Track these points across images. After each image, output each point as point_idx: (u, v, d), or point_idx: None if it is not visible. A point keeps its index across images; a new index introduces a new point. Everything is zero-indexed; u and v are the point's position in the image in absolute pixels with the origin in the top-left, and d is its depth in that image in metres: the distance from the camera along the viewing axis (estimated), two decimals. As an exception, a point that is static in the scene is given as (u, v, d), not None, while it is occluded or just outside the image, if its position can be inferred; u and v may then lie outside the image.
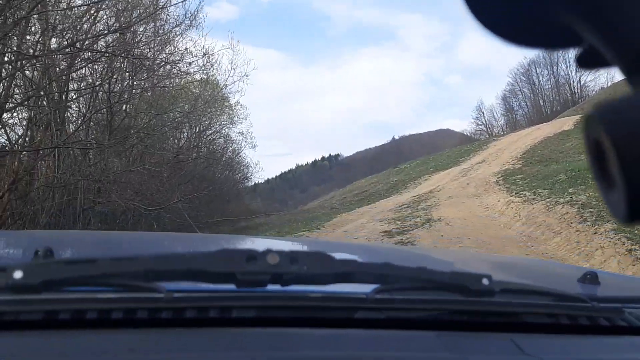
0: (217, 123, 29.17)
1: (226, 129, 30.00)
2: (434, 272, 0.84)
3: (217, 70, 18.60)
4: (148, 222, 11.06)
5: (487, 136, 60.88)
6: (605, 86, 52.15)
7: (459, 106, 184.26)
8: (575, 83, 54.77)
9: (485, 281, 0.82)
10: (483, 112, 62.61)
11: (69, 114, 11.77)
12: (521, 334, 0.86)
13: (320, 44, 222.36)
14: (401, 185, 19.73)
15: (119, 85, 11.27)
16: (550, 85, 56.69)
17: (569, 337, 0.91)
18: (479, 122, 63.22)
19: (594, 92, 52.44)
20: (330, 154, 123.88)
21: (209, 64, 14.16)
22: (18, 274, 0.68)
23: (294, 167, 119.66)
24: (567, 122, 24.40)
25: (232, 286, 0.75)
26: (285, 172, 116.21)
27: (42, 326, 0.73)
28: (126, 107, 11.75)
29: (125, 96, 11.70)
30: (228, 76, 17.71)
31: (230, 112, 29.67)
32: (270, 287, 0.77)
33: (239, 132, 30.28)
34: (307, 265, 0.76)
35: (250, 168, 32.90)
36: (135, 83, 12.46)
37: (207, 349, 0.74)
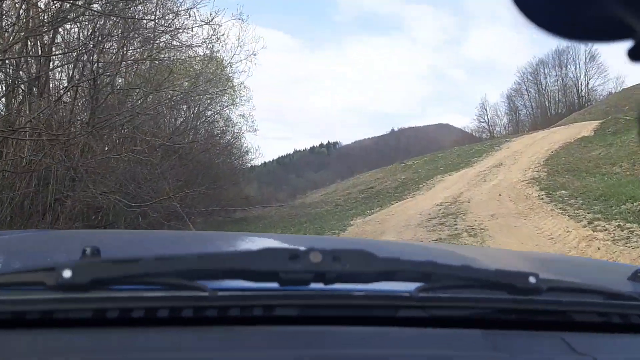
0: (218, 104, 27.63)
1: (227, 111, 28.50)
2: (479, 270, 0.83)
3: (222, 46, 16.86)
4: (132, 217, 9.39)
5: (489, 134, 59.49)
6: (613, 91, 50.83)
7: (461, 101, 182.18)
8: (583, 86, 53.16)
9: (532, 279, 0.80)
10: (486, 110, 60.87)
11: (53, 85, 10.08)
12: (571, 333, 0.84)
13: (327, 29, 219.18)
14: (411, 184, 18.11)
15: (106, 55, 9.48)
16: (557, 87, 55.07)
17: (622, 337, 0.88)
18: (482, 120, 61.51)
19: (601, 97, 50.98)
20: (329, 141, 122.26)
21: (214, 36, 12.40)
22: (67, 273, 0.68)
23: (291, 152, 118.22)
24: (586, 128, 22.78)
25: (275, 284, 0.75)
26: (282, 156, 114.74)
27: (90, 324, 0.73)
28: (113, 80, 9.96)
29: (120, 66, 10.00)
30: (234, 54, 15.93)
31: (233, 93, 28.15)
32: (313, 285, 0.76)
33: (240, 115, 28.80)
34: (349, 264, 0.75)
35: (250, 153, 31.43)
36: (129, 53, 10.74)
37: (251, 347, 0.74)
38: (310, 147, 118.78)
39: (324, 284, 0.76)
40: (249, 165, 34.28)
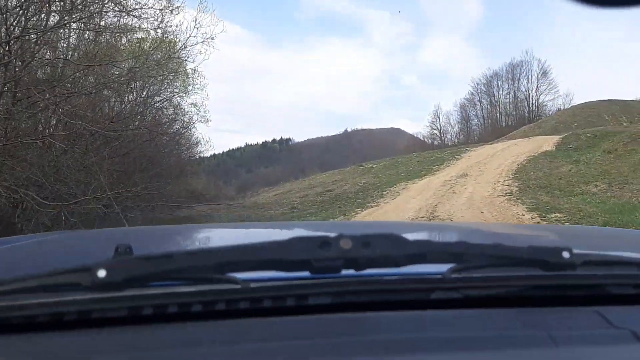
0: (169, 90, 25.74)
1: (178, 98, 26.54)
2: (510, 247, 0.81)
3: (177, 27, 15.01)
4: (52, 216, 7.52)
5: (441, 142, 59.46)
6: (562, 107, 51.65)
7: (413, 107, 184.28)
8: (534, 101, 53.89)
9: (565, 254, 0.79)
10: (439, 117, 60.87)
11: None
12: (607, 307, 0.82)
13: (287, 26, 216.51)
14: (373, 190, 16.80)
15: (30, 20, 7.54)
16: (509, 100, 55.63)
17: None
18: (434, 127, 61.41)
19: (551, 112, 51.75)
20: (281, 137, 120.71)
21: (166, 10, 10.61)
22: (102, 273, 0.69)
23: (243, 146, 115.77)
24: (547, 142, 22.22)
25: (306, 273, 0.74)
26: (233, 149, 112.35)
27: (126, 322, 0.73)
28: (37, 48, 8.01)
29: (46, 32, 8.10)
30: (190, 35, 14.09)
31: (186, 80, 26.29)
32: (345, 272, 0.76)
33: (191, 103, 26.98)
34: (379, 248, 0.74)
35: (200, 145, 29.48)
36: (62, 19, 8.81)
37: (285, 337, 0.72)
38: (262, 142, 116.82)
39: (356, 270, 0.75)
40: (198, 156, 32.40)
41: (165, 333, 0.73)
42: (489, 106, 57.05)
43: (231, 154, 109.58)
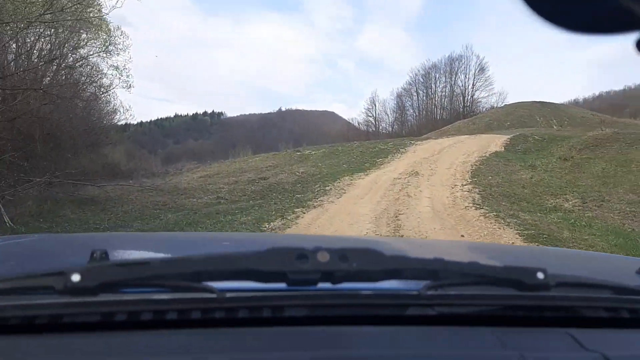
0: (87, 46, 22.08)
1: (97, 58, 22.90)
2: (486, 266, 0.81)
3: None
4: None
5: (375, 129, 58.11)
6: (496, 105, 51.57)
7: (348, 92, 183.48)
8: (469, 97, 53.47)
9: (540, 275, 0.78)
10: (375, 105, 59.34)
11: None
12: (580, 329, 0.81)
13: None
14: (313, 183, 14.45)
15: None
16: (445, 93, 54.95)
17: (631, 332, 0.84)
18: (369, 114, 59.85)
19: (485, 109, 51.51)
20: (213, 111, 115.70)
21: None
22: (76, 277, 0.67)
23: (172, 116, 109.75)
24: (495, 142, 20.76)
25: (283, 285, 0.73)
26: (162, 118, 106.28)
27: (99, 328, 0.72)
28: None
29: None
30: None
31: (107, 38, 22.66)
32: (321, 285, 0.74)
33: (112, 65, 23.47)
34: (357, 262, 0.73)
35: (119, 113, 25.91)
36: None
37: (260, 348, 0.71)
38: (193, 114, 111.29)
39: (332, 283, 0.74)
40: (118, 124, 28.77)
41: (138, 340, 0.71)
42: (425, 98, 56.21)
43: (159, 123, 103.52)
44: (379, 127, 59.97)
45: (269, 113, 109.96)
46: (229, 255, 0.75)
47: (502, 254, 1.87)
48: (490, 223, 7.83)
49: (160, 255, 1.04)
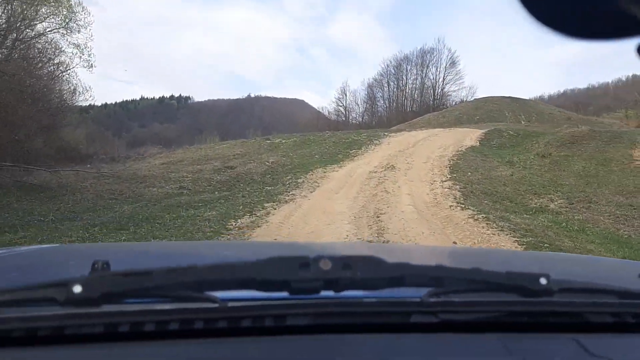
0: (45, 22, 20.47)
1: (56, 34, 21.26)
2: (489, 272, 0.79)
3: None
4: None
5: (344, 119, 57.28)
6: (465, 99, 51.47)
7: (318, 81, 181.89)
8: (439, 90, 53.17)
9: (543, 280, 0.77)
10: (346, 94, 58.41)
11: None
12: (585, 334, 0.80)
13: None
14: (284, 174, 13.49)
15: None
16: (416, 86, 54.48)
17: (636, 337, 0.83)
18: (340, 103, 58.87)
19: (454, 103, 51.32)
20: (180, 94, 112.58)
21: None
22: (78, 288, 0.67)
23: (138, 98, 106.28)
24: (469, 136, 20.20)
25: (285, 294, 0.72)
26: (127, 100, 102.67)
27: (102, 339, 0.71)
28: None
29: None
30: None
31: (67, 14, 21.05)
32: (324, 293, 0.73)
33: (73, 43, 21.83)
34: (359, 271, 0.72)
35: (78, 93, 24.22)
36: None
37: (263, 357, 0.71)
38: (160, 97, 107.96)
39: (335, 291, 0.73)
40: (78, 104, 27.03)
41: (141, 351, 0.70)
42: (396, 89, 55.61)
43: (125, 105, 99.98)
44: (349, 117, 59.16)
45: (237, 99, 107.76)
46: (231, 264, 0.74)
47: (504, 259, 1.84)
48: (482, 227, 7.07)
49: (162, 265, 0.86)
